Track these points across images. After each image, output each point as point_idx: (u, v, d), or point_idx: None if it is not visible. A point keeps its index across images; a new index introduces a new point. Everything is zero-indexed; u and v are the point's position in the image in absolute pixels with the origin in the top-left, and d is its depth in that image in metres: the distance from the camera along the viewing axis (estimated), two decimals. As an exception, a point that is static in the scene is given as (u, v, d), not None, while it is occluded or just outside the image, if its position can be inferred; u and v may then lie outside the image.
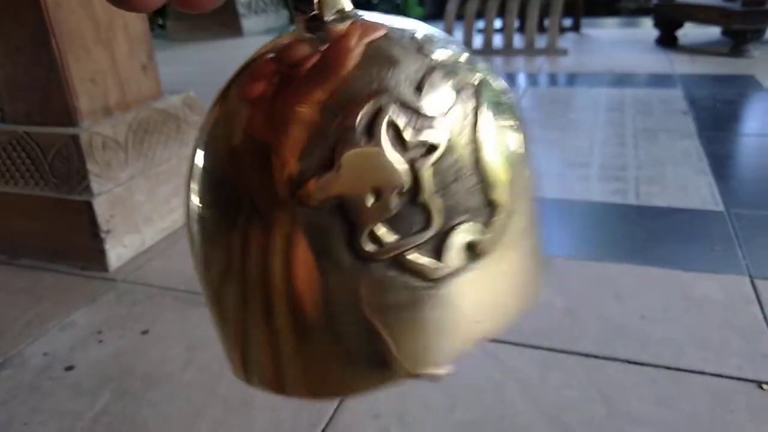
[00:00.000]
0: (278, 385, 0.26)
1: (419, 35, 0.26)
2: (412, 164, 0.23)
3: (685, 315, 0.96)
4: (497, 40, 3.38)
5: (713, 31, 3.16)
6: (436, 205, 0.24)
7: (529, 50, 3.23)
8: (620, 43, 3.45)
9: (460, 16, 3.44)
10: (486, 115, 0.25)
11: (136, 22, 1.35)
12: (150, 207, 1.29)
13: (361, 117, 0.23)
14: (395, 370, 0.25)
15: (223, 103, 0.26)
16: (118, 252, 1.22)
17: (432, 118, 0.24)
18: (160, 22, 5.35)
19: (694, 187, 1.44)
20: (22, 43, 1.21)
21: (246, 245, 0.23)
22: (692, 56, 2.93)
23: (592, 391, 0.82)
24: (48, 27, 1.17)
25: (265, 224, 0.23)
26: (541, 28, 3.59)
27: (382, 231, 0.23)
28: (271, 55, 0.26)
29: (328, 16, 0.26)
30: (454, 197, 0.24)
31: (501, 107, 0.26)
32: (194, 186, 0.25)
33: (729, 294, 1.00)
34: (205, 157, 0.25)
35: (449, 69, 0.25)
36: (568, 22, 3.87)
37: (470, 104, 0.25)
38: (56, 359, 0.96)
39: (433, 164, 0.23)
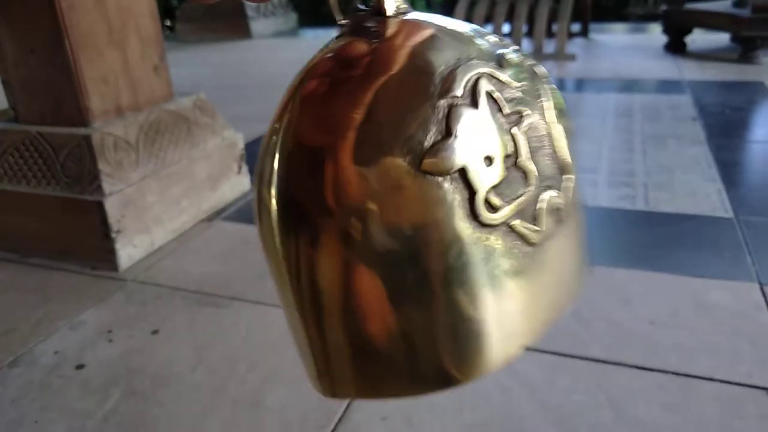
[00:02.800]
0: (366, 389, 0.25)
1: (477, 29, 0.28)
2: (511, 129, 0.24)
3: (694, 321, 0.96)
4: (505, 45, 3.38)
5: (722, 38, 3.15)
6: (532, 168, 0.25)
7: (538, 55, 3.23)
8: (629, 48, 3.45)
9: (468, 20, 3.44)
10: (546, 89, 0.27)
11: (148, 23, 1.37)
12: (160, 208, 1.30)
13: (464, 86, 0.24)
14: (511, 343, 0.25)
15: (290, 108, 0.26)
16: (128, 252, 1.23)
17: (516, 88, 0.25)
18: (169, 24, 5.39)
19: (703, 194, 1.43)
20: (36, 45, 1.22)
21: (298, 251, 0.24)
22: (701, 62, 2.93)
23: (599, 396, 0.82)
24: (62, 29, 1.18)
25: (314, 230, 0.23)
26: (550, 33, 3.60)
27: (494, 197, 0.23)
28: (338, 55, 0.26)
29: (389, 11, 0.27)
30: (540, 162, 0.25)
31: (551, 86, 0.28)
32: (273, 189, 0.25)
33: (738, 301, 1.00)
34: (281, 159, 0.25)
35: (515, 50, 0.27)
36: (576, 27, 3.87)
37: (536, 80, 0.27)
38: (66, 358, 0.97)
39: (525, 131, 0.25)
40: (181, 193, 1.36)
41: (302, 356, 0.27)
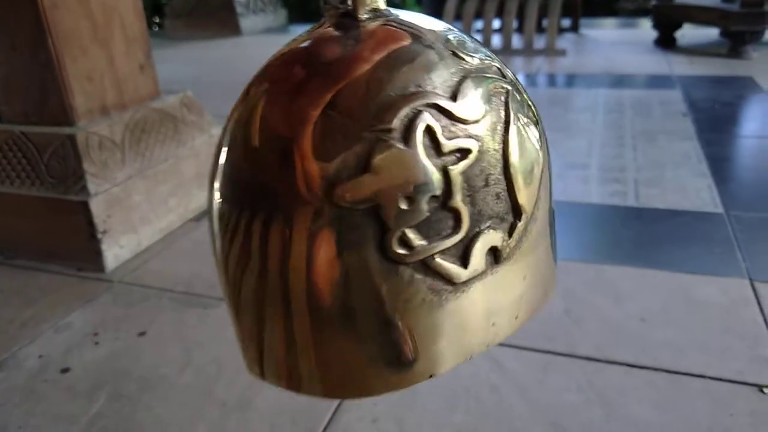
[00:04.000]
0: (293, 382, 0.26)
1: (452, 38, 0.26)
2: (445, 169, 0.23)
3: (685, 318, 0.96)
4: (496, 41, 3.38)
5: (712, 33, 3.15)
6: (465, 210, 0.24)
7: (528, 51, 3.23)
8: (619, 43, 3.45)
9: (458, 16, 3.43)
10: (514, 122, 0.26)
11: (133, 21, 1.35)
12: (147, 207, 1.28)
13: (399, 121, 0.22)
14: (414, 370, 0.25)
15: (247, 100, 0.25)
16: (114, 253, 1.21)
17: (466, 123, 0.24)
18: (158, 20, 5.34)
19: (693, 189, 1.43)
20: (18, 43, 1.20)
21: (266, 241, 0.24)
22: (691, 57, 2.93)
23: (591, 395, 0.81)
24: (45, 26, 1.16)
25: (287, 221, 0.23)
26: (540, 29, 3.59)
27: (412, 234, 0.23)
28: (302, 52, 0.25)
29: (362, 14, 0.25)
30: (481, 203, 0.24)
31: (527, 115, 0.27)
32: (216, 183, 0.26)
33: (729, 297, 1.00)
34: (228, 153, 0.25)
35: (482, 76, 0.25)
36: (566, 22, 3.87)
37: (501, 112, 0.25)
38: (51, 361, 0.95)
39: (465, 170, 0.24)
40: (169, 192, 1.34)
41: (250, 342, 0.27)
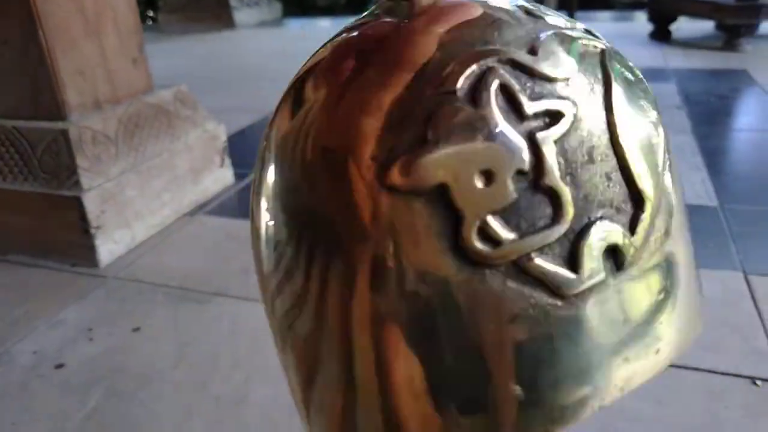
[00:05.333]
0: None
1: (526, 4, 0.22)
2: (532, 138, 0.18)
3: (679, 311, 0.96)
4: (491, 34, 3.37)
5: (707, 26, 3.16)
6: (566, 191, 0.18)
7: (523, 44, 3.22)
8: (614, 37, 3.44)
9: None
10: (618, 87, 0.20)
11: (126, 14, 1.34)
12: (141, 202, 1.27)
13: (464, 80, 0.18)
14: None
15: (298, 103, 0.21)
16: (108, 248, 1.21)
17: (554, 81, 0.19)
18: (152, 14, 5.31)
19: (688, 183, 1.43)
20: (9, 36, 1.19)
21: (324, 285, 0.18)
22: (686, 50, 2.93)
23: (586, 389, 0.81)
24: (35, 19, 1.15)
25: (348, 261, 0.18)
26: (535, 22, 3.58)
27: (496, 226, 0.17)
28: (358, 41, 0.21)
29: None
30: (588, 184, 0.18)
31: (634, 82, 0.22)
32: (264, 201, 0.21)
33: (723, 290, 1.00)
34: (280, 169, 0.20)
35: (566, 34, 0.20)
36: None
37: (598, 73, 0.20)
38: (45, 357, 0.95)
39: (559, 139, 0.18)
40: (163, 187, 1.33)
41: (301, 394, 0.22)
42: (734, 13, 2.74)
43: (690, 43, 3.08)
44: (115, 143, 1.25)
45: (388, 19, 0.21)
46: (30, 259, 1.25)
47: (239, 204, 1.47)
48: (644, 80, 0.23)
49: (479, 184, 0.17)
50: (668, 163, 0.22)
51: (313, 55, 0.22)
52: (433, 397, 0.17)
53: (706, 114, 1.98)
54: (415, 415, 0.17)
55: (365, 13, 0.22)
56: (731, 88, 2.29)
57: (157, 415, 0.82)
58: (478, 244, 0.17)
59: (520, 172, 0.18)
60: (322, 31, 4.70)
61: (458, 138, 0.17)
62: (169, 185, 1.35)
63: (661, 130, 0.22)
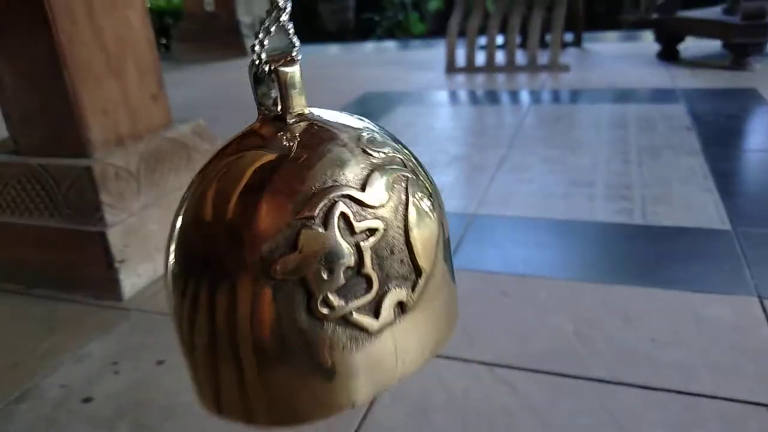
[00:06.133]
0: (247, 416, 0.32)
1: (365, 135, 0.33)
2: (358, 245, 0.30)
3: (695, 338, 0.97)
4: (500, 57, 3.41)
5: (714, 44, 3.18)
6: (375, 275, 0.31)
7: (532, 67, 3.26)
8: (622, 57, 3.48)
9: (462, 33, 3.47)
10: (412, 203, 0.32)
11: (145, 52, 1.38)
12: (163, 235, 1.30)
13: (319, 210, 0.29)
14: (340, 401, 0.31)
15: (201, 182, 0.32)
16: (132, 281, 1.24)
17: (373, 208, 0.31)
18: (165, 42, 5.42)
19: (700, 206, 1.44)
20: (34, 76, 1.24)
21: (215, 301, 0.30)
22: (694, 70, 2.95)
23: (603, 417, 0.82)
24: (60, 59, 1.19)
25: (233, 286, 0.29)
26: (543, 44, 3.62)
27: (332, 297, 0.29)
28: (241, 148, 0.32)
29: (290, 119, 0.32)
30: (388, 267, 0.31)
31: (424, 195, 0.33)
32: (172, 246, 0.32)
33: (738, 315, 1.01)
34: (186, 228, 0.31)
35: (387, 168, 0.32)
36: (569, 36, 3.90)
37: (402, 196, 0.32)
38: (73, 391, 0.97)
39: (373, 245, 0.30)
40: (183, 220, 1.36)
41: (206, 385, 0.33)
42: (742, 32, 2.76)
43: (698, 63, 3.10)
44: (137, 179, 1.28)
45: (268, 134, 0.32)
46: (55, 293, 1.28)
47: (256, 234, 1.49)
48: (430, 184, 0.35)
49: (324, 275, 0.29)
50: (441, 240, 0.34)
51: (216, 152, 0.33)
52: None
53: (716, 134, 1.99)
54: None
55: (251, 125, 0.33)
56: (741, 107, 2.30)
57: (183, 448, 0.84)
58: (321, 309, 0.29)
59: (349, 267, 0.30)
60: (331, 57, 4.77)
61: (314, 248, 0.29)
62: (189, 218, 1.38)
63: (436, 221, 0.34)
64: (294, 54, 0.33)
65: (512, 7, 3.38)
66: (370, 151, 0.32)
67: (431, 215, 0.33)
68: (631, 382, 0.88)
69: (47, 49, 1.18)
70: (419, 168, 0.34)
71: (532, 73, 3.22)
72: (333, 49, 5.12)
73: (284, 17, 0.34)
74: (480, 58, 3.43)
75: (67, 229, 1.22)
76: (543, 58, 3.33)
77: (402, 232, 0.32)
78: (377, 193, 0.31)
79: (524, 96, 2.82)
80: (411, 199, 0.32)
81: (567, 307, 1.08)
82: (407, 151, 0.35)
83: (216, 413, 0.33)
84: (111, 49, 1.29)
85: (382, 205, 0.31)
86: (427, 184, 0.34)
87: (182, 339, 0.32)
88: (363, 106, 2.82)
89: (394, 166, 0.32)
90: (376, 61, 4.27)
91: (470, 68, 3.39)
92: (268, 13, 0.34)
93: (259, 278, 0.28)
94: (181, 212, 0.32)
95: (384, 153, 0.32)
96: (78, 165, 1.22)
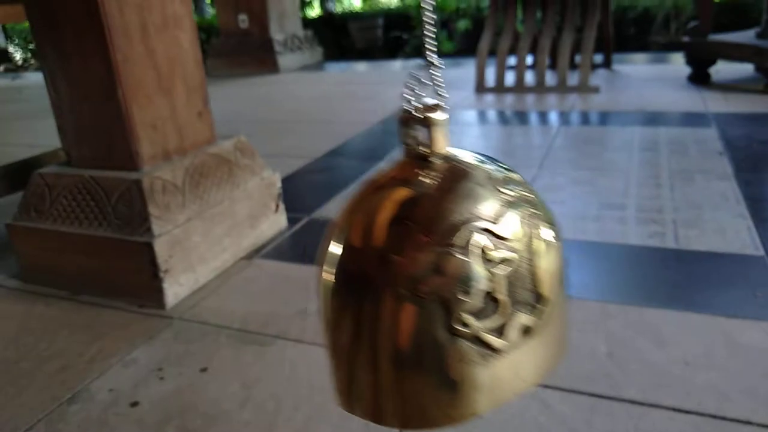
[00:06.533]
0: (377, 415, 0.36)
1: (498, 176, 0.37)
2: (491, 272, 0.34)
3: (729, 362, 0.98)
4: (529, 77, 3.44)
5: (747, 68, 3.17)
6: (506, 301, 0.35)
7: (562, 87, 3.28)
8: (652, 80, 3.48)
9: (492, 53, 3.51)
10: (539, 237, 0.36)
11: (193, 71, 1.44)
12: (204, 247, 1.35)
13: (459, 240, 0.34)
14: (465, 411, 0.35)
15: (357, 214, 0.37)
16: (174, 291, 1.28)
17: (506, 240, 0.35)
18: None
19: (732, 231, 1.45)
20: (90, 93, 1.30)
21: (365, 313, 0.34)
22: (725, 94, 2.95)
23: (638, 438, 0.84)
24: (116, 78, 1.26)
25: (381, 301, 0.33)
26: (573, 65, 3.65)
27: (468, 317, 0.34)
28: (394, 187, 0.37)
29: (435, 159, 0.37)
30: (516, 294, 0.35)
31: (548, 229, 0.37)
32: (328, 267, 0.37)
33: (772, 342, 1.02)
34: (344, 251, 0.36)
35: (517, 205, 0.36)
36: (599, 58, 3.92)
37: (529, 230, 0.36)
38: (121, 395, 1.02)
39: (507, 273, 0.35)
40: (224, 233, 1.41)
41: (346, 385, 0.37)
42: (775, 56, 2.75)
43: (730, 86, 3.09)
44: (183, 192, 1.34)
45: (415, 172, 0.37)
46: (101, 300, 1.34)
47: (292, 247, 1.54)
48: (550, 216, 0.39)
49: (462, 297, 0.33)
50: (560, 268, 0.38)
51: (366, 186, 0.38)
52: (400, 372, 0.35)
53: (749, 160, 1.99)
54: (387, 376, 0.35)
55: (396, 166, 0.38)
56: (773, 132, 2.29)
57: (227, 453, 0.88)
58: (457, 326, 0.33)
59: (484, 291, 0.34)
60: (360, 74, 4.84)
61: (454, 272, 0.33)
62: (230, 231, 1.43)
63: (557, 250, 0.38)
64: (441, 103, 0.38)
65: (542, 28, 3.41)
66: (502, 189, 0.36)
67: (553, 247, 0.37)
68: (664, 405, 0.89)
69: (104, 68, 1.25)
70: (542, 204, 0.39)
71: (562, 94, 3.24)
72: (361, 67, 5.20)
73: (437, 74, 0.38)
74: (509, 78, 3.46)
75: (115, 238, 1.28)
76: (572, 79, 3.35)
77: (530, 263, 0.36)
78: (510, 226, 0.35)
79: (554, 117, 2.84)
80: (537, 232, 0.36)
81: (600, 329, 1.09)
82: (530, 188, 0.39)
83: (348, 409, 0.37)
84: (162, 68, 1.35)
85: (514, 238, 0.35)
86: (549, 219, 0.38)
87: (332, 343, 0.36)
88: (393, 125, 2.86)
89: (523, 203, 0.37)
90: (404, 79, 4.32)
91: (500, 88, 3.42)
92: (424, 67, 0.39)
93: (406, 296, 0.33)
94: (337, 236, 0.36)
95: (513, 190, 0.37)
96: (128, 178, 1.28)
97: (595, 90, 3.20)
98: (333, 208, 1.79)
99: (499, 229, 0.35)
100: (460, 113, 3.06)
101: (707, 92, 3.02)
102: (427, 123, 0.37)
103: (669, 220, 1.55)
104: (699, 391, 0.92)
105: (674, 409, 0.88)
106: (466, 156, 0.38)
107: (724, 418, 0.86)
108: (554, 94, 3.25)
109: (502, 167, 0.38)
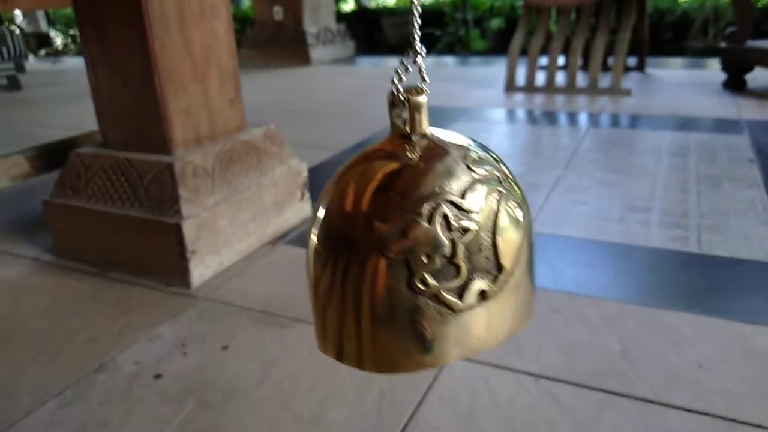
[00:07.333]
0: (359, 362, 0.41)
1: (472, 155, 0.41)
2: (453, 240, 0.38)
3: (744, 367, 0.98)
4: (560, 78, 3.42)
5: (784, 76, 3.10)
6: (464, 265, 0.39)
7: (592, 89, 3.25)
8: (686, 85, 3.43)
9: (523, 52, 3.50)
10: (503, 212, 0.40)
11: (227, 60, 1.48)
12: (230, 231, 1.39)
13: (425, 210, 0.38)
14: (432, 358, 0.40)
15: (343, 184, 0.41)
16: (200, 272, 1.32)
17: (469, 212, 0.39)
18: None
19: (757, 239, 1.44)
20: (128, 79, 1.35)
21: (347, 270, 0.39)
22: (761, 101, 2.89)
23: (646, 436, 0.85)
24: (153, 65, 1.30)
25: (362, 258, 0.38)
26: (605, 67, 3.61)
27: (428, 278, 0.38)
28: (377, 156, 0.41)
29: (415, 137, 0.41)
30: (475, 261, 0.39)
31: (515, 206, 0.41)
32: (315, 230, 0.41)
33: (789, 349, 1.01)
34: (327, 213, 0.41)
35: (485, 182, 0.40)
36: (632, 60, 3.87)
37: (495, 206, 0.40)
38: (146, 368, 1.06)
39: (466, 242, 0.39)
40: (249, 218, 1.45)
41: (332, 336, 0.41)
42: (814, 65, 2.69)
43: (766, 94, 3.03)
44: (212, 177, 1.38)
45: (397, 147, 0.41)
46: (129, 277, 1.39)
47: (315, 236, 1.57)
48: (521, 195, 0.42)
49: (424, 259, 0.38)
50: (524, 245, 0.42)
51: (354, 158, 0.42)
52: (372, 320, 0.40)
53: (780, 168, 1.95)
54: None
55: (381, 143, 0.42)
56: (808, 142, 2.25)
57: (244, 427, 0.91)
58: (418, 285, 0.38)
59: (444, 255, 0.38)
60: (392, 69, 4.86)
61: (418, 237, 0.37)
62: (256, 216, 1.47)
63: (523, 228, 0.42)
64: (424, 88, 0.41)
65: (576, 29, 3.39)
66: (474, 168, 0.40)
67: (518, 224, 0.41)
68: (675, 404, 0.90)
69: (142, 55, 1.29)
70: (514, 185, 0.42)
71: (593, 95, 3.22)
72: (392, 62, 5.22)
73: (420, 60, 0.42)
74: (540, 78, 3.45)
75: (146, 219, 1.33)
76: (604, 81, 3.32)
77: (491, 235, 0.40)
78: (474, 201, 0.39)
79: (583, 118, 2.82)
80: (502, 209, 0.40)
81: (615, 328, 1.10)
82: (505, 169, 0.43)
83: (335, 358, 0.42)
84: (197, 56, 1.39)
85: (477, 211, 0.39)
86: (518, 199, 0.42)
87: (316, 299, 0.41)
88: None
89: (491, 182, 0.41)
90: (435, 75, 4.33)
91: (530, 88, 3.41)
92: (408, 54, 0.42)
93: (379, 255, 0.37)
94: (325, 203, 0.41)
95: (485, 170, 0.41)
96: (161, 161, 1.33)
97: (627, 93, 3.17)
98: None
99: (464, 203, 0.39)
100: (489, 111, 3.06)
101: (742, 99, 2.97)
102: (410, 105, 0.41)
103: (693, 225, 1.54)
104: (711, 393, 0.92)
105: (685, 409, 0.89)
106: (446, 135, 0.42)
107: (735, 421, 0.86)
108: (584, 96, 3.23)
109: (479, 149, 0.42)
